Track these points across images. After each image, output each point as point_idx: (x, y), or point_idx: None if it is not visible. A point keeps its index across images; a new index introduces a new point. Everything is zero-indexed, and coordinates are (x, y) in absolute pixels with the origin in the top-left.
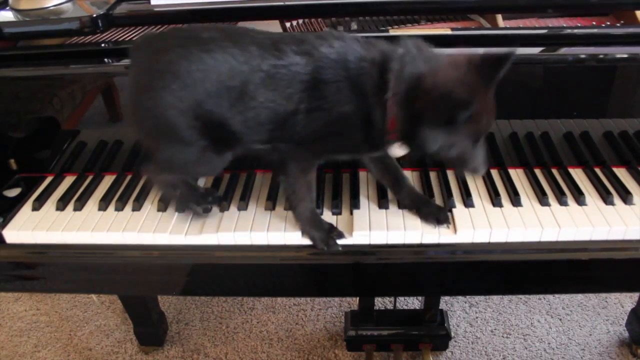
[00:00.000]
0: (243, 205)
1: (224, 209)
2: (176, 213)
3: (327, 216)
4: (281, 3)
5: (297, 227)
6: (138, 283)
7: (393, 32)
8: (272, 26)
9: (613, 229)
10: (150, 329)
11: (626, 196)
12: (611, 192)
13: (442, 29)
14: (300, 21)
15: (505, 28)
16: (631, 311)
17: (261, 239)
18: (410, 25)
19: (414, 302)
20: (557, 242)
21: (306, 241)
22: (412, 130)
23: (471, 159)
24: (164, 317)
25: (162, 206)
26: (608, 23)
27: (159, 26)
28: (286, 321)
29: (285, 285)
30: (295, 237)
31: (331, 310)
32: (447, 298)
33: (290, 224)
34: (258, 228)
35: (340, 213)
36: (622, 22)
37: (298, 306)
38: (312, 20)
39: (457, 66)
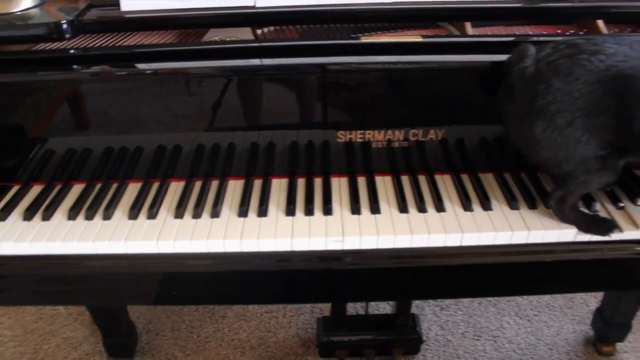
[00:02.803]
0: (216, 213)
1: (197, 216)
2: (147, 221)
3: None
4: (253, 10)
5: (270, 234)
6: (108, 293)
7: (365, 39)
8: (243, 33)
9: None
10: (119, 339)
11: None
12: None
13: (414, 37)
14: (272, 28)
15: (474, 35)
16: (596, 310)
17: (235, 247)
18: (381, 32)
19: (385, 307)
20: (525, 244)
21: (279, 248)
22: None
23: None
24: (133, 328)
25: (134, 214)
26: (572, 32)
27: (129, 33)
28: (258, 329)
29: (256, 293)
30: (268, 244)
31: (303, 317)
32: (418, 302)
33: (265, 231)
34: (231, 235)
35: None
36: (585, 30)
37: (270, 313)
38: (283, 27)
39: None
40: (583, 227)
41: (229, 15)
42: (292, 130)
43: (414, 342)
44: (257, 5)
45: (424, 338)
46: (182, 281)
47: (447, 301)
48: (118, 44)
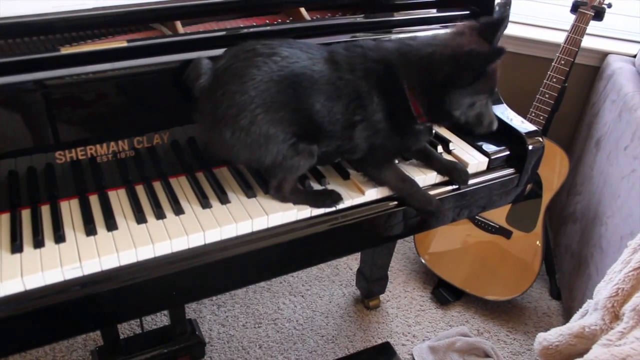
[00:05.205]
0: None
1: None
2: None
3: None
4: None
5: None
6: None
7: (65, 50)
8: None
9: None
10: None
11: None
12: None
13: (118, 42)
14: None
15: (186, 34)
16: (357, 271)
17: None
18: (91, 40)
19: (162, 320)
20: (268, 228)
21: (9, 291)
22: (436, 106)
23: (487, 115)
24: None
25: None
26: (279, 20)
27: None
28: None
29: (13, 341)
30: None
31: (76, 354)
32: (194, 306)
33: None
34: None
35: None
36: (291, 18)
37: None
38: None
39: (460, 34)
40: (312, 204)
41: None
42: (7, 159)
43: (198, 346)
44: None
45: (207, 340)
46: None
47: (222, 297)
48: None
